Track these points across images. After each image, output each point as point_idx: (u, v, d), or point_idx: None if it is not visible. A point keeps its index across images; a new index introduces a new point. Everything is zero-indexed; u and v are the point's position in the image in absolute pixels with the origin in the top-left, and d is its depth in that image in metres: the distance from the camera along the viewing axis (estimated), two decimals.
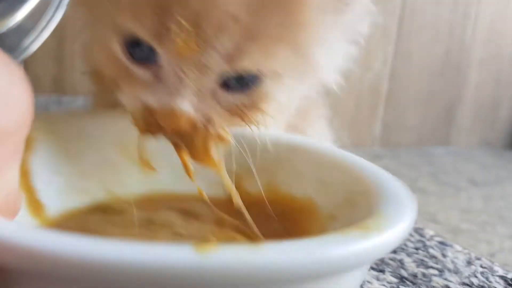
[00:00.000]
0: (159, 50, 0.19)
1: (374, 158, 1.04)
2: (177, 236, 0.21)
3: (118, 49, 0.20)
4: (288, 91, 0.22)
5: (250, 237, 0.22)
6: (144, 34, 0.18)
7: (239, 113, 0.21)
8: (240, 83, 0.20)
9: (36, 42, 0.56)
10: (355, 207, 0.20)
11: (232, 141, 0.22)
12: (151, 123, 0.20)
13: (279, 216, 0.24)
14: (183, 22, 0.17)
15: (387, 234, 0.15)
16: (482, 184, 0.88)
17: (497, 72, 1.19)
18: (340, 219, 0.21)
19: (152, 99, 0.20)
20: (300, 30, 0.19)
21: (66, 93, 0.75)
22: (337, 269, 0.14)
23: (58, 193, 0.23)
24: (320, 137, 0.46)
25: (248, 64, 0.19)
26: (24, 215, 0.21)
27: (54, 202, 0.22)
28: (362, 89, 1.03)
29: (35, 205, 0.22)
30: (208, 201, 0.23)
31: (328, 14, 0.20)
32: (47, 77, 0.75)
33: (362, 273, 0.17)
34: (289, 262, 0.12)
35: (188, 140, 0.21)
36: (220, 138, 0.21)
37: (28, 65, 0.73)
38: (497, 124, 1.24)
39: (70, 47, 0.74)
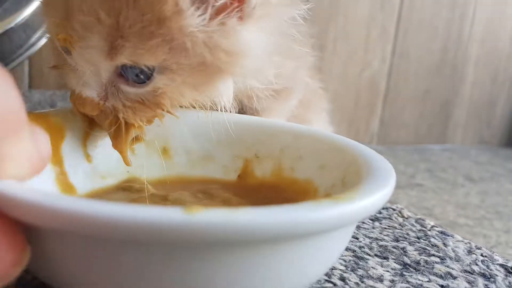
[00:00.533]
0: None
1: None
2: None
3: (57, 43, 0.23)
4: (191, 87, 0.23)
5: None
6: (51, 26, 0.22)
7: (142, 105, 0.23)
8: (137, 78, 0.22)
9: (42, 38, 0.57)
10: (346, 186, 0.22)
11: (144, 128, 0.24)
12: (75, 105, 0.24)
13: (281, 198, 0.25)
14: (56, 22, 0.21)
15: (356, 204, 0.16)
16: (478, 181, 0.90)
17: (493, 70, 1.21)
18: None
19: (74, 86, 0.23)
20: (166, 24, 0.20)
21: None
22: (297, 233, 0.15)
23: (85, 175, 0.25)
24: (321, 128, 0.47)
25: (125, 59, 0.21)
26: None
27: (83, 184, 0.25)
28: (361, 87, 1.04)
29: (67, 187, 0.24)
30: (146, 182, 0.25)
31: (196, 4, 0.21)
32: (51, 73, 0.76)
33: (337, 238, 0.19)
34: (260, 224, 0.14)
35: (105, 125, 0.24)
36: (131, 125, 0.24)
37: (33, 61, 0.74)
38: (493, 122, 1.25)
39: None
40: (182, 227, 0.14)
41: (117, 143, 0.24)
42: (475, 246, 0.29)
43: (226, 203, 0.25)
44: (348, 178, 0.22)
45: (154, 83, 0.22)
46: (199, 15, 0.21)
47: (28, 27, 0.55)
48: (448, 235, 0.30)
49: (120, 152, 0.25)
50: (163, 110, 0.23)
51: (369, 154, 0.22)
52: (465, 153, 1.13)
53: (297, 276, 0.17)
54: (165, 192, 0.26)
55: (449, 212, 0.71)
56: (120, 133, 0.24)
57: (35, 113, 0.25)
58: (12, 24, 0.52)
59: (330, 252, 0.19)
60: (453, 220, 0.68)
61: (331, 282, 0.23)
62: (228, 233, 0.14)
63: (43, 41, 0.57)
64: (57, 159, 0.24)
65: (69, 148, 0.25)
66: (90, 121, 0.25)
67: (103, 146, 0.26)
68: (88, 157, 0.26)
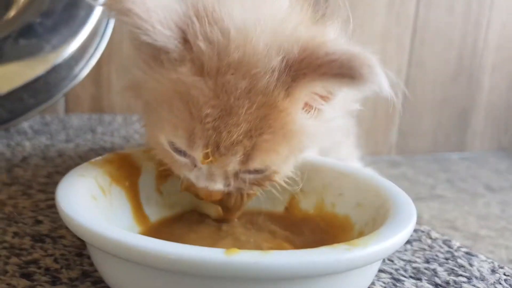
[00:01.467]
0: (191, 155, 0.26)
1: (392, 165, 1.08)
2: (236, 242, 0.27)
3: (164, 143, 0.27)
4: (292, 160, 0.29)
5: (295, 245, 0.28)
6: (179, 144, 0.26)
7: (258, 184, 0.28)
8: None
9: (84, 69, 0.61)
10: (375, 225, 0.25)
11: (258, 193, 0.29)
12: (194, 191, 0.28)
13: (322, 230, 0.30)
14: (208, 150, 0.25)
15: (370, 249, 0.20)
16: (498, 190, 0.92)
17: (509, 76, 1.23)
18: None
19: (193, 179, 0.27)
20: (291, 133, 0.26)
21: (104, 111, 0.81)
22: (319, 272, 0.19)
23: (157, 206, 0.30)
24: (349, 152, 0.51)
25: (257, 164, 0.26)
26: (131, 224, 0.28)
27: (154, 213, 0.30)
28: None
29: (141, 216, 0.29)
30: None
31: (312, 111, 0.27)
32: (86, 97, 0.80)
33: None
34: (285, 265, 0.18)
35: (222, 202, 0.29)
36: (249, 195, 0.29)
37: None
38: (511, 128, 1.27)
39: (106, 69, 0.80)
40: (222, 264, 0.18)
41: (230, 214, 0.29)
42: (498, 265, 0.32)
43: (272, 234, 0.29)
44: (378, 219, 0.25)
45: (272, 168, 0.27)
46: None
47: (71, 60, 0.60)
48: (473, 255, 0.33)
49: (231, 218, 0.29)
50: (274, 182, 0.28)
51: (399, 198, 0.26)
52: (484, 161, 1.15)
53: None
54: (220, 224, 0.30)
55: (471, 224, 0.73)
56: (236, 205, 0.28)
57: (120, 153, 0.29)
58: (60, 60, 0.57)
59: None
60: (475, 232, 0.70)
61: None
62: (256, 270, 0.18)
63: (85, 73, 0.62)
64: (134, 193, 0.29)
65: (144, 183, 0.30)
66: (166, 170, 0.29)
67: (172, 181, 0.30)
68: (159, 190, 0.31)
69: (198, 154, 0.25)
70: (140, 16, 0.23)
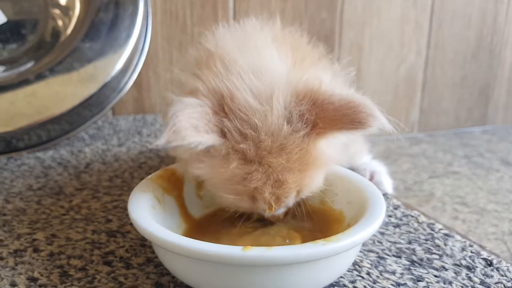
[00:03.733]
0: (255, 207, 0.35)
1: (414, 143, 1.14)
2: (264, 233, 0.37)
3: (233, 203, 0.35)
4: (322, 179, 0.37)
5: (302, 233, 0.37)
6: (245, 205, 0.34)
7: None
8: None
9: (129, 82, 0.72)
10: (357, 220, 0.34)
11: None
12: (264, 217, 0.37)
13: (324, 220, 0.39)
14: (272, 203, 0.33)
15: (340, 244, 0.28)
16: None
17: None
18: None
19: (262, 212, 0.36)
20: (322, 165, 0.34)
21: (146, 111, 0.92)
22: (305, 260, 0.28)
23: (198, 207, 0.40)
24: (359, 147, 0.59)
25: (306, 194, 0.35)
26: (180, 222, 0.38)
27: (196, 212, 0.40)
28: (399, 81, 1.13)
29: (187, 216, 0.39)
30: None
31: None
32: (130, 100, 0.91)
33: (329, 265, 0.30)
34: (282, 256, 0.27)
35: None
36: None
37: None
38: None
39: (145, 75, 0.90)
40: (239, 257, 0.27)
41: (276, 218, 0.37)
42: (469, 244, 0.40)
43: (286, 224, 0.38)
44: (359, 215, 0.34)
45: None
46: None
47: (118, 75, 0.70)
48: (450, 236, 0.42)
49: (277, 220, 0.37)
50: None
51: (375, 201, 0.34)
52: (505, 134, 1.19)
53: (308, 284, 0.30)
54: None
55: (480, 199, 0.80)
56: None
57: (167, 169, 0.39)
58: (109, 78, 0.67)
59: (325, 274, 0.31)
60: (483, 206, 0.77)
61: (360, 276, 0.35)
62: (262, 261, 0.27)
63: (129, 85, 0.72)
64: (181, 199, 0.39)
65: (187, 191, 0.40)
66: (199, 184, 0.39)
67: (207, 190, 0.39)
68: (199, 196, 0.41)
69: (262, 208, 0.34)
70: (192, 135, 0.29)
